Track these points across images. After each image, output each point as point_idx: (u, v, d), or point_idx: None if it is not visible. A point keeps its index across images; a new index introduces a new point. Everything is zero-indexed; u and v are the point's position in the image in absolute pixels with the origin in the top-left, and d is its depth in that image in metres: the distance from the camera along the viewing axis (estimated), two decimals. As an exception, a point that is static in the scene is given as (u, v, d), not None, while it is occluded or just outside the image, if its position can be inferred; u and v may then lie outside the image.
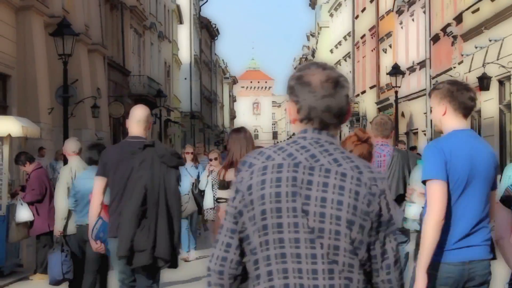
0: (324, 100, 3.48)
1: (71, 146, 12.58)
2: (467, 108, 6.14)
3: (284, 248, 3.43)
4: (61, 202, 11.76)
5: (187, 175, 16.19)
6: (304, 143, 3.51)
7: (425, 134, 42.22)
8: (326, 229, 3.40)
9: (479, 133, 31.76)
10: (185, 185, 15.40)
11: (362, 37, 60.57)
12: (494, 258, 6.24)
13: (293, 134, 3.68)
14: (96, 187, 9.04)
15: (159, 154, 8.57)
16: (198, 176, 16.82)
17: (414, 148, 36.92)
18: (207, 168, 15.82)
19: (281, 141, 5.30)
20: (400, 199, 9.21)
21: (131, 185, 8.56)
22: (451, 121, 6.17)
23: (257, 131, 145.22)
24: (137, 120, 8.81)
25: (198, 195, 15.76)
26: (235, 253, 3.56)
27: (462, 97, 6.11)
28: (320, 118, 3.51)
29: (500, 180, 8.39)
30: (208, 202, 14.90)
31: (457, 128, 6.13)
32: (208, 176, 15.26)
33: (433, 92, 6.34)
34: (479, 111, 32.04)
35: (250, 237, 3.48)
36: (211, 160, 15.93)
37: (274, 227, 3.43)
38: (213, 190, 14.45)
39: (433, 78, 39.82)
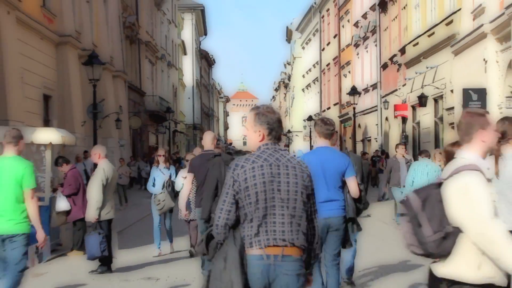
0: (281, 128, 5.38)
1: (100, 151, 12.69)
2: (325, 134, 8.58)
3: (267, 210, 5.13)
4: (97, 194, 11.87)
5: (161, 175, 14.49)
6: (270, 152, 5.25)
7: (376, 141, 42.38)
8: (290, 198, 5.18)
9: (418, 141, 31.91)
10: (159, 184, 14.28)
11: (327, 65, 60.60)
12: (345, 216, 8.61)
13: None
14: (187, 179, 12.05)
15: (224, 160, 10.47)
16: (170, 176, 14.87)
17: (365, 153, 37.10)
18: (183, 171, 14.54)
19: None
20: None
21: (208, 178, 10.64)
22: (318, 142, 8.80)
23: (245, 139, 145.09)
24: (209, 140, 11.75)
25: (172, 193, 14.25)
26: (233, 216, 5.18)
27: (321, 129, 8.58)
28: (279, 136, 5.38)
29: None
30: (182, 203, 13.49)
31: (319, 146, 8.70)
32: (185, 178, 13.33)
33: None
34: (418, 123, 32.24)
35: (244, 207, 5.13)
36: (186, 161, 14.32)
37: (262, 199, 5.11)
38: None
39: (383, 97, 39.99)
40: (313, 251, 5.35)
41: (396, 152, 20.22)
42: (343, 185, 8.60)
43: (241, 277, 5.00)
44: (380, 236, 16.77)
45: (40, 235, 8.40)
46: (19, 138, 8.47)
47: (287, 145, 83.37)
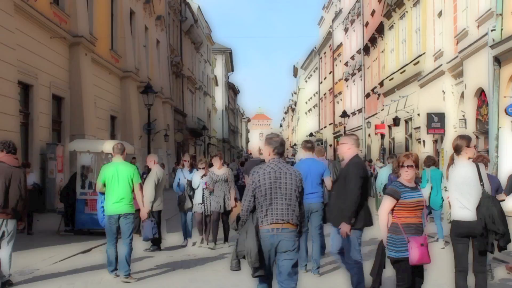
0: (282, 147, 6.35)
1: (154, 158, 12.77)
2: (309, 148, 10.28)
3: (272, 200, 6.11)
4: (150, 192, 11.90)
5: (182, 177, 13.05)
6: (275, 163, 6.26)
7: (361, 152, 42.23)
8: (287, 193, 6.14)
9: (394, 152, 31.85)
10: (182, 184, 12.99)
11: (324, 94, 60.56)
12: (323, 202, 9.78)
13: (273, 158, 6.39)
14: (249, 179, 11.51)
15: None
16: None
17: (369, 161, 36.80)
18: (199, 172, 12.81)
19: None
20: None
21: None
22: (304, 155, 10.27)
23: (261, 150, 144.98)
24: (256, 150, 12.37)
25: (192, 195, 12.74)
26: (252, 204, 6.16)
27: (305, 146, 10.35)
28: (281, 153, 6.34)
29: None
30: (198, 198, 12.62)
31: (304, 157, 10.24)
32: (201, 177, 12.63)
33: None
34: (393, 138, 32.15)
35: (258, 198, 6.12)
36: (200, 168, 12.85)
37: (269, 193, 6.11)
38: (203, 190, 12.54)
39: (366, 119, 39.92)
40: (301, 225, 6.33)
41: (388, 162, 20.12)
42: (322, 182, 9.92)
43: (256, 243, 5.99)
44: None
45: (144, 212, 9.99)
46: (123, 150, 9.73)
47: (294, 154, 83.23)
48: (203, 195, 12.58)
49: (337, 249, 8.11)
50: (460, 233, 6.83)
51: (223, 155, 12.04)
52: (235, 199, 12.50)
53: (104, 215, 9.65)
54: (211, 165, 12.98)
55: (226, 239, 12.65)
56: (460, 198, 6.82)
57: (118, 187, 9.39)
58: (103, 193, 9.68)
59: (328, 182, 9.92)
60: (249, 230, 6.09)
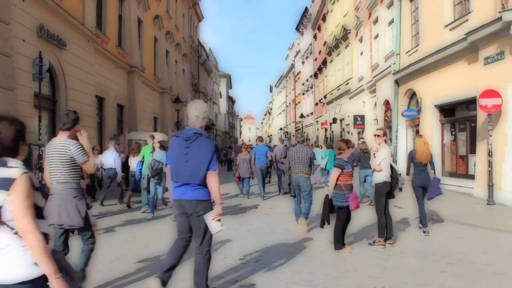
0: (300, 139, 7.78)
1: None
2: (261, 141, 12.46)
3: (295, 161, 7.65)
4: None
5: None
6: (298, 146, 7.71)
7: (313, 139, 42.49)
8: (302, 159, 7.63)
9: (333, 140, 32.09)
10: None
11: (289, 103, 60.59)
12: (267, 165, 11.84)
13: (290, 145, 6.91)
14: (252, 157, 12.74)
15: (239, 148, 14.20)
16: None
17: (312, 145, 37.05)
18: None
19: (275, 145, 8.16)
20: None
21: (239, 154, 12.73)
22: (259, 143, 11.77)
23: (250, 140, 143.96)
24: (240, 143, 11.69)
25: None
26: (288, 164, 7.87)
27: (259, 139, 12.20)
28: (301, 142, 7.62)
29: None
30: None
31: (260, 144, 11.45)
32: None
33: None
34: (332, 131, 32.41)
35: (290, 162, 7.74)
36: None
37: (294, 159, 7.67)
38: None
39: (316, 119, 40.10)
40: (312, 171, 7.95)
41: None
42: (266, 156, 12.50)
43: (287, 181, 8.16)
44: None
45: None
46: (154, 137, 10.29)
47: (270, 141, 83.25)
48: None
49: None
50: (386, 190, 6.75)
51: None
52: None
53: (140, 173, 10.16)
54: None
55: None
56: (388, 168, 6.78)
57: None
58: (142, 161, 10.17)
59: (269, 156, 12.74)
60: (286, 176, 8.21)
